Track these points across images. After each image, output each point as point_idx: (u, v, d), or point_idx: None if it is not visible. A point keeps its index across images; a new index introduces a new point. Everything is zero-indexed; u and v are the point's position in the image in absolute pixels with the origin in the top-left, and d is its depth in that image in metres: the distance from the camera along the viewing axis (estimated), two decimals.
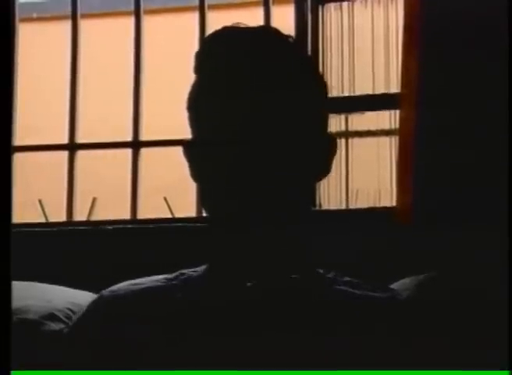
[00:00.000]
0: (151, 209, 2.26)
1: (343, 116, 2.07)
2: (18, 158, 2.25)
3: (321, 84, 1.18)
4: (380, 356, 1.08)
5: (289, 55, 1.14)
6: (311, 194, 1.18)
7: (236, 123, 1.09)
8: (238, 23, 1.15)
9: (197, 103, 1.14)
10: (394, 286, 1.50)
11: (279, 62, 1.12)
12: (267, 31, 1.18)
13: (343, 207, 2.06)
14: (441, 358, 1.10)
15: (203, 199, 1.16)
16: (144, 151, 2.27)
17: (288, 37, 1.15)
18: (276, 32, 1.16)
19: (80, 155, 2.31)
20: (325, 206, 2.05)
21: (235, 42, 1.12)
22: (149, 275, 1.21)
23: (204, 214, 1.17)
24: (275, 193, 1.09)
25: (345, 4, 2.12)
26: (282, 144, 1.09)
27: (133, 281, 1.20)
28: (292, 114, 1.10)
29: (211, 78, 1.13)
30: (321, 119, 1.17)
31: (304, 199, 1.14)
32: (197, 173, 1.16)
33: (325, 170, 1.18)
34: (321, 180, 1.18)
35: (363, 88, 2.09)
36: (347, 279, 1.17)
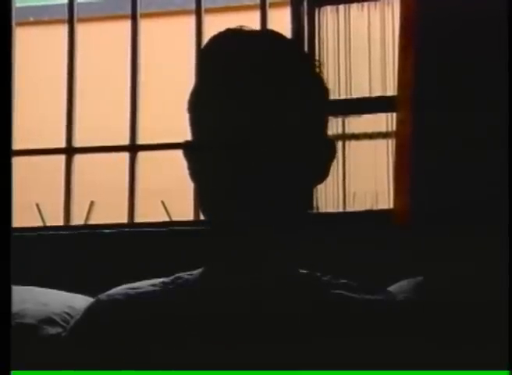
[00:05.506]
0: (148, 213, 2.26)
1: (339, 119, 2.08)
2: (15, 162, 2.25)
3: (322, 89, 1.17)
4: (379, 357, 1.08)
5: (290, 59, 1.13)
6: (309, 198, 1.18)
7: (236, 126, 1.09)
8: (242, 25, 1.14)
9: (198, 105, 1.15)
10: (392, 288, 1.50)
11: (280, 66, 1.12)
12: (269, 34, 1.17)
13: (341, 210, 2.06)
14: (440, 359, 1.11)
15: (201, 201, 1.16)
16: (141, 155, 2.27)
17: (290, 40, 1.15)
18: (279, 35, 1.16)
19: (78, 158, 2.31)
20: (322, 209, 2.04)
21: (237, 44, 1.12)
22: (146, 279, 1.21)
23: (202, 217, 1.17)
24: (272, 196, 1.09)
25: (341, 7, 2.12)
26: (281, 148, 1.09)
27: (129, 285, 1.20)
28: (292, 118, 1.10)
29: (211, 80, 1.13)
30: (321, 124, 1.17)
31: (301, 202, 1.14)
32: (195, 174, 1.16)
33: (323, 174, 1.18)
34: (319, 183, 1.18)
35: (359, 91, 2.09)
36: (344, 281, 1.17)
